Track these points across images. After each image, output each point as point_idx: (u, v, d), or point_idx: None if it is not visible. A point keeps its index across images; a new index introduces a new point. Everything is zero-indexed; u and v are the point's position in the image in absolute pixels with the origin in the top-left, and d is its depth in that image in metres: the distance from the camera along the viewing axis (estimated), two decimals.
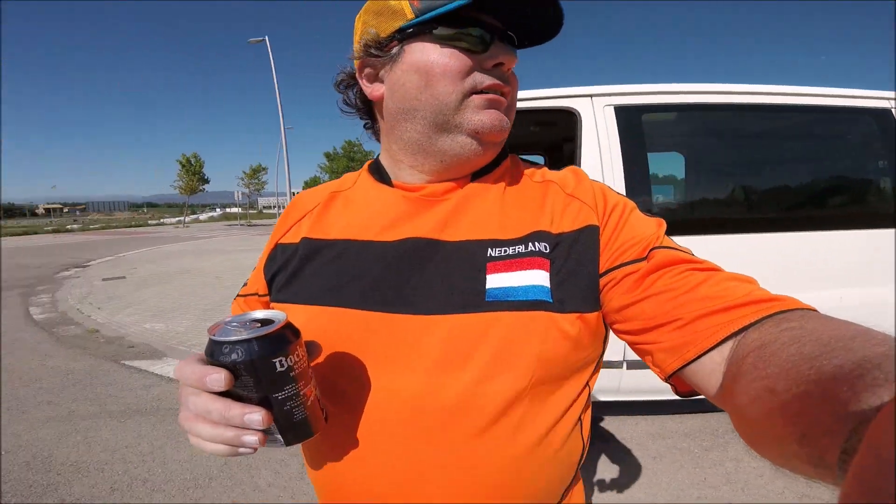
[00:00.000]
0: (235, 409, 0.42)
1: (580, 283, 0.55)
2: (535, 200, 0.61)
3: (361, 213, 0.64)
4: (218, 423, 0.42)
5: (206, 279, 8.98)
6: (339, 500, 0.58)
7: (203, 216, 51.84)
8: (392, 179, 0.65)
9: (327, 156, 40.50)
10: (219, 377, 0.41)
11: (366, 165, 0.72)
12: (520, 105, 2.55)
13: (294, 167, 25.22)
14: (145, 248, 15.98)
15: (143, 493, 2.35)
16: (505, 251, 0.56)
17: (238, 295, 0.75)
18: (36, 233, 28.24)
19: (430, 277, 0.56)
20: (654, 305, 0.49)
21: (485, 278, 0.55)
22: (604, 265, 0.55)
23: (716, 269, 0.50)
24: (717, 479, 2.43)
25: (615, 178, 2.33)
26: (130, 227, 34.36)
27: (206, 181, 36.22)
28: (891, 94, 2.50)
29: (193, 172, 34.76)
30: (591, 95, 2.40)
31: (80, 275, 9.92)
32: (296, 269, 0.63)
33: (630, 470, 2.54)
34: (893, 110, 2.47)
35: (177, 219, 42.21)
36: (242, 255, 12.98)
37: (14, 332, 5.41)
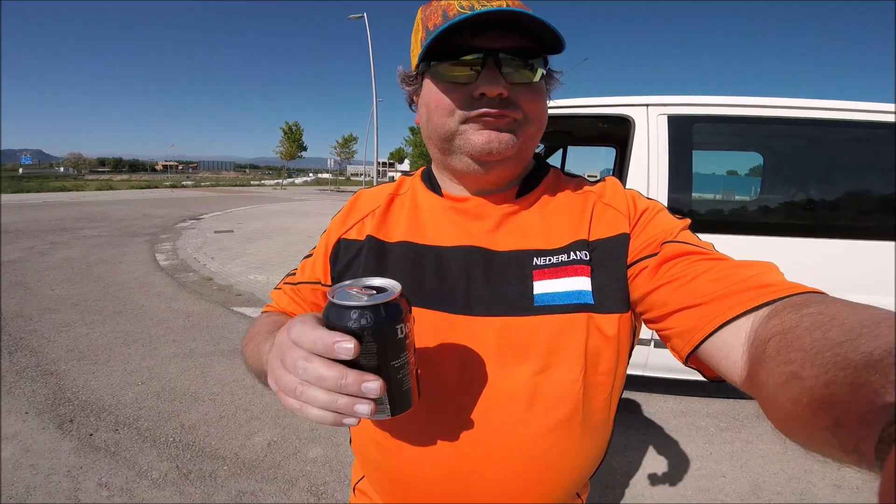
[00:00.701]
0: (352, 377, 0.40)
1: (617, 285, 0.60)
2: (575, 211, 0.65)
3: (418, 218, 0.69)
4: (332, 390, 0.40)
5: (301, 237, 9.71)
6: (410, 481, 0.64)
7: (298, 180, 54.98)
8: (441, 189, 0.70)
9: (412, 130, 41.30)
10: (349, 346, 0.39)
11: (418, 172, 0.77)
12: (589, 110, 2.74)
13: (381, 138, 26.46)
14: (249, 206, 17.44)
15: (244, 420, 2.80)
16: (549, 260, 0.61)
17: (285, 283, 0.78)
18: (157, 187, 31.59)
19: (483, 283, 0.62)
20: (665, 294, 0.53)
21: (532, 285, 0.60)
22: (629, 262, 0.60)
23: (723, 258, 0.53)
24: (721, 454, 2.59)
25: (660, 179, 2.48)
26: (235, 185, 37.34)
27: (305, 148, 38.19)
28: None
29: (294, 140, 36.79)
30: (646, 105, 2.54)
31: (195, 226, 11.10)
32: (363, 266, 0.67)
33: (642, 438, 2.74)
34: None
35: (275, 181, 45.05)
36: (329, 217, 13.77)
37: (145, 276, 6.26)
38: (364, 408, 0.41)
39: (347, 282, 0.46)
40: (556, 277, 0.60)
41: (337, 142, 44.68)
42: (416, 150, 40.39)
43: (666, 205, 2.35)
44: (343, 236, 0.72)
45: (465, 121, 0.60)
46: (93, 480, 2.19)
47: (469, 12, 0.54)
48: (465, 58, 0.58)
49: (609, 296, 0.59)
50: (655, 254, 0.57)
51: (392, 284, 0.45)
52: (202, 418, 2.80)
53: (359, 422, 0.42)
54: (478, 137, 0.59)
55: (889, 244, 2.39)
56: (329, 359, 0.40)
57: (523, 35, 0.58)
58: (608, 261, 0.60)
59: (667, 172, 2.47)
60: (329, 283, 0.71)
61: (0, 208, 13.52)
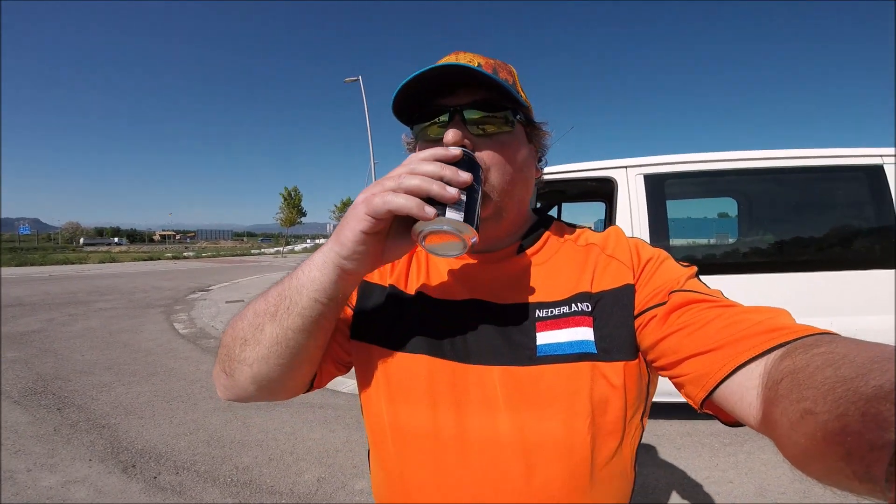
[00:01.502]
0: (450, 168, 0.52)
1: (622, 334, 0.60)
2: (578, 264, 0.66)
3: (430, 274, 0.71)
4: (432, 175, 0.51)
5: None
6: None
7: (298, 247, 55.51)
8: None
9: None
10: (455, 151, 0.54)
11: None
12: (579, 174, 3.36)
13: None
14: (254, 275, 17.72)
15: (291, 462, 3.03)
16: (551, 312, 0.62)
17: None
18: (159, 258, 31.94)
19: (488, 334, 0.63)
20: (676, 341, 0.54)
21: (535, 336, 0.61)
22: (636, 311, 0.61)
23: (733, 305, 0.54)
24: (727, 465, 2.90)
25: (641, 225, 2.97)
26: (236, 255, 37.74)
27: (304, 214, 38.88)
28: (881, 150, 2.89)
29: (293, 205, 37.50)
30: (625, 167, 3.07)
31: (205, 297, 11.33)
32: (381, 313, 0.69)
33: (653, 455, 3.04)
34: (885, 166, 2.86)
35: (275, 249, 45.44)
36: None
37: (168, 343, 6.49)
38: (452, 189, 0.50)
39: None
40: (558, 328, 0.61)
41: (336, 206, 45.29)
42: None
43: None
44: (366, 278, 0.72)
45: None
46: None
47: (431, 66, 0.59)
48: (437, 118, 0.62)
49: (614, 345, 0.60)
50: (664, 303, 0.58)
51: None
52: (253, 461, 3.02)
53: (435, 215, 0.49)
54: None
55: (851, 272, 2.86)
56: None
57: (486, 90, 0.61)
58: (612, 311, 0.61)
59: (647, 222, 2.95)
60: (349, 317, 0.71)
61: (0, 280, 13.78)
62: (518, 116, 0.64)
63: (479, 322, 0.64)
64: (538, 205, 4.96)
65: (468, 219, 0.51)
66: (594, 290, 0.63)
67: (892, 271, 2.81)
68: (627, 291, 0.62)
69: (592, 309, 0.61)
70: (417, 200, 0.49)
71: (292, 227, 39.67)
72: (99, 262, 26.47)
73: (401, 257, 0.61)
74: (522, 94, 0.66)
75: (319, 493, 2.63)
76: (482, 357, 0.62)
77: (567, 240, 0.71)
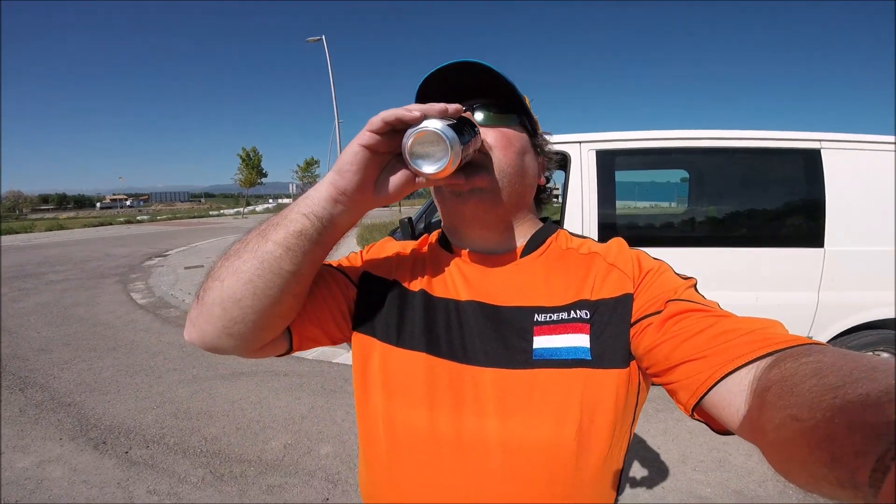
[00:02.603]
0: (453, 105, 0.57)
1: (618, 343, 0.61)
2: (580, 271, 0.67)
3: (434, 273, 0.72)
4: (440, 113, 0.55)
5: None
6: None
7: (259, 207, 53.90)
8: (453, 247, 0.74)
9: None
10: (458, 105, 0.57)
11: (435, 234, 0.80)
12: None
13: None
14: (214, 238, 17.37)
15: (258, 430, 3.18)
16: (550, 317, 0.63)
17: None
18: (111, 223, 30.62)
19: (486, 335, 0.64)
20: (669, 348, 0.54)
21: (532, 340, 0.62)
22: (632, 319, 0.61)
23: (727, 315, 0.54)
24: (656, 430, 3.19)
25: (591, 196, 3.17)
26: (193, 217, 36.51)
27: (265, 175, 37.66)
28: (821, 135, 3.07)
29: (252, 166, 36.25)
30: (579, 142, 3.24)
31: (163, 264, 11.10)
32: (384, 307, 0.70)
33: None
34: (822, 150, 3.04)
35: (235, 210, 44.10)
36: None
37: (127, 315, 6.43)
38: (439, 105, 0.55)
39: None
40: (555, 333, 0.62)
41: (299, 166, 44.08)
42: None
43: (596, 215, 3.11)
44: (370, 270, 0.75)
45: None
46: (142, 489, 2.53)
47: (449, 62, 0.63)
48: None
49: (609, 353, 0.60)
50: (660, 311, 0.58)
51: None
52: (221, 431, 3.16)
53: (420, 117, 0.54)
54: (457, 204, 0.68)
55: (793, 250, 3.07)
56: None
57: (499, 97, 0.68)
58: (611, 320, 0.62)
59: (596, 192, 3.17)
60: (354, 286, 0.73)
61: None
62: (525, 123, 0.70)
63: (478, 323, 0.65)
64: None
65: (453, 136, 0.53)
66: (594, 298, 0.64)
67: (820, 250, 3.02)
68: (626, 301, 0.63)
69: (591, 316, 0.62)
70: (407, 109, 0.54)
71: (253, 188, 38.45)
72: (46, 230, 25.25)
73: (392, 200, 0.63)
74: (528, 106, 0.71)
75: (286, 459, 2.80)
76: (478, 358, 0.63)
77: (570, 248, 0.72)
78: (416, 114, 0.54)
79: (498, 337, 0.63)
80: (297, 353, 3.79)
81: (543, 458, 0.59)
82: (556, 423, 0.59)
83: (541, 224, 0.75)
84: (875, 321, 3.03)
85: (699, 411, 0.53)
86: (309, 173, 44.73)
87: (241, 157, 36.34)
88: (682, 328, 0.54)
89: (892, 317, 2.99)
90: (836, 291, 2.99)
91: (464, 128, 0.58)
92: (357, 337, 0.71)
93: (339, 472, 2.67)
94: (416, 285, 0.71)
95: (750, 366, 0.46)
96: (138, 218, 35.92)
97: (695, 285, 0.63)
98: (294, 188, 40.48)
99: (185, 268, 10.31)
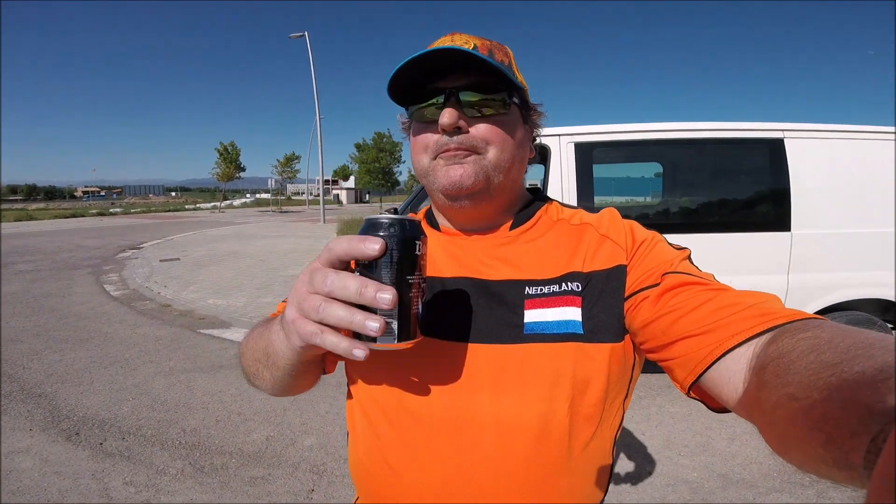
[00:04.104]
0: (372, 285, 0.43)
1: (610, 316, 0.60)
2: (571, 243, 0.65)
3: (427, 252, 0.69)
4: (352, 301, 0.44)
5: (253, 261, 9.78)
6: (394, 493, 0.63)
7: (237, 202, 52.87)
8: (440, 225, 0.73)
9: (358, 146, 40.39)
10: (375, 246, 0.44)
11: (423, 212, 0.79)
12: None
13: (325, 156, 25.68)
14: (189, 231, 17.03)
15: (239, 422, 3.11)
16: (541, 290, 0.61)
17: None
18: (83, 215, 29.71)
19: (480, 311, 0.63)
20: (666, 323, 0.53)
21: (523, 313, 0.61)
22: (627, 293, 0.60)
23: (726, 288, 0.53)
24: (640, 416, 3.23)
25: (570, 187, 3.23)
26: (168, 211, 35.71)
27: (243, 169, 37.13)
28: (784, 125, 3.25)
29: (231, 160, 35.66)
30: (558, 135, 3.31)
31: (137, 256, 10.82)
32: None
33: None
34: (785, 139, 3.22)
35: (212, 204, 43.27)
36: (280, 240, 13.82)
37: (100, 307, 6.25)
38: (374, 324, 0.43)
39: (375, 216, 0.49)
40: (546, 307, 0.60)
41: (279, 160, 43.64)
42: (363, 168, 39.49)
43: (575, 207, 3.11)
44: None
45: (434, 157, 0.63)
46: (118, 480, 2.45)
47: (424, 50, 0.59)
48: (430, 100, 0.62)
49: (601, 326, 0.59)
50: (656, 284, 0.57)
51: (407, 215, 0.50)
52: (200, 423, 3.07)
53: (367, 354, 0.45)
54: (443, 174, 0.62)
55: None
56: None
57: (482, 73, 0.61)
58: (603, 292, 0.60)
59: (575, 183, 3.22)
60: None
61: None
62: (514, 98, 0.64)
63: (469, 299, 0.64)
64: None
65: (402, 335, 0.47)
66: (585, 270, 0.62)
67: (787, 234, 3.15)
68: (619, 272, 0.61)
69: (582, 289, 0.61)
70: (346, 343, 0.45)
71: (230, 182, 37.78)
72: (15, 221, 24.39)
73: None
74: (518, 76, 0.66)
75: (269, 451, 2.74)
76: (471, 335, 0.62)
77: (561, 219, 0.70)
78: (359, 356, 0.45)
79: (489, 312, 0.62)
80: None
81: (536, 434, 0.58)
82: (548, 397, 0.58)
83: (529, 196, 0.74)
84: (843, 302, 3.19)
85: (696, 389, 0.51)
86: (289, 168, 44.20)
87: (219, 151, 35.75)
88: (679, 302, 0.53)
89: (860, 298, 3.18)
90: (804, 274, 3.14)
91: (397, 291, 0.45)
92: None
93: (324, 464, 2.63)
94: None
95: (749, 342, 0.45)
96: (111, 210, 34.95)
97: (689, 256, 0.62)
98: (273, 183, 39.74)
99: (161, 260, 10.07)
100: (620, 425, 0.65)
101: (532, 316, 0.60)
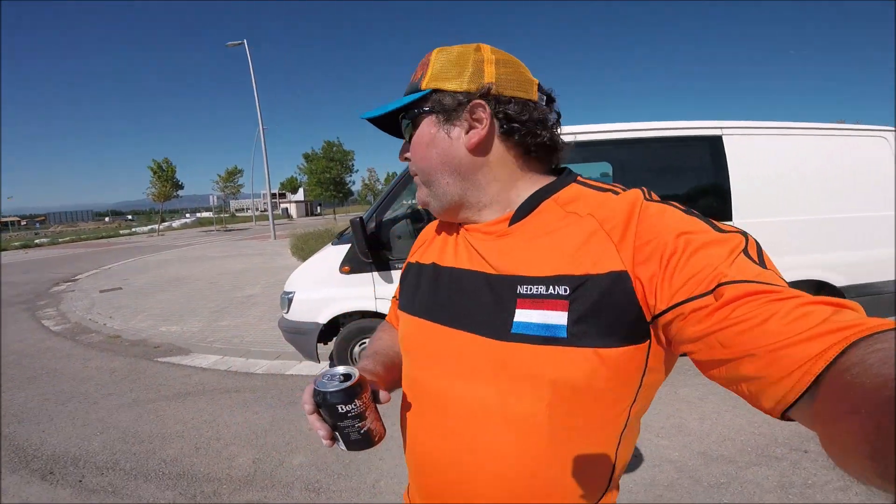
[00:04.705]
0: (316, 425, 0.64)
1: (602, 322, 0.57)
2: (567, 241, 0.62)
3: (444, 243, 0.79)
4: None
5: (202, 285, 9.42)
6: (408, 456, 0.77)
7: (176, 223, 50.16)
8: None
9: (306, 157, 39.31)
10: (307, 409, 0.64)
11: None
12: None
13: (270, 168, 24.38)
14: (128, 259, 16.08)
15: (220, 447, 3.04)
16: (531, 290, 0.61)
17: (393, 296, 0.95)
18: (4, 249, 27.43)
19: (478, 302, 0.66)
20: (730, 336, 0.46)
21: (514, 311, 0.62)
22: (662, 302, 0.53)
23: (795, 296, 0.46)
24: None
25: None
26: (101, 238, 33.52)
27: (181, 187, 35.41)
28: (722, 123, 3.56)
29: (166, 179, 33.95)
30: None
31: (73, 288, 10.17)
32: (408, 284, 0.83)
33: None
34: (724, 136, 3.54)
35: (149, 227, 40.93)
36: (229, 260, 13.35)
37: (41, 343, 5.88)
38: (325, 441, 0.65)
39: (328, 370, 0.67)
40: (532, 308, 0.61)
41: (220, 175, 41.84)
42: (313, 179, 38.26)
43: None
44: (410, 260, 0.86)
45: None
46: None
47: (371, 112, 0.75)
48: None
49: (589, 331, 0.57)
50: (708, 292, 0.50)
51: (353, 373, 0.64)
52: (179, 452, 2.98)
53: (329, 446, 0.66)
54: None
55: None
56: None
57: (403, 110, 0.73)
58: (601, 299, 0.57)
59: None
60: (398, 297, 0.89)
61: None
62: (423, 107, 0.70)
63: (471, 290, 0.68)
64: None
65: (349, 447, 0.67)
66: (578, 272, 0.59)
67: (729, 223, 3.44)
68: (621, 280, 0.56)
69: (571, 292, 0.59)
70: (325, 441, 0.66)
71: (168, 202, 35.91)
72: None
73: None
74: (427, 82, 0.69)
75: (259, 474, 2.70)
76: (466, 324, 0.66)
77: (571, 212, 0.65)
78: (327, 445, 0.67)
79: (486, 305, 0.65)
80: (243, 369, 3.92)
81: (514, 429, 0.62)
82: (525, 398, 0.61)
83: (546, 181, 0.71)
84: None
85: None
86: (232, 183, 42.41)
87: (152, 169, 33.95)
88: (741, 315, 0.46)
89: (797, 280, 3.52)
90: None
91: (330, 429, 0.66)
92: (399, 313, 0.83)
93: (318, 481, 2.61)
94: (429, 258, 0.80)
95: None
96: (36, 242, 32.38)
97: (744, 247, 0.53)
98: (215, 200, 37.91)
99: (101, 291, 9.51)
100: (625, 429, 0.64)
101: (520, 316, 0.61)
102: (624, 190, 0.65)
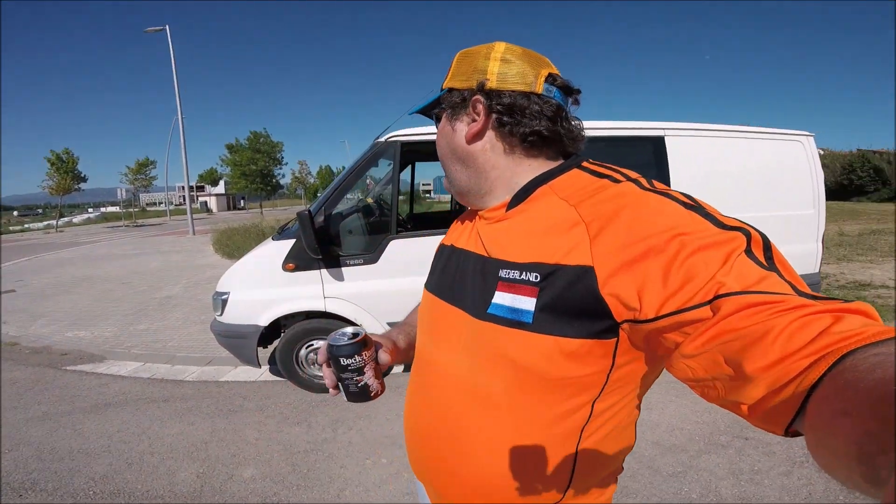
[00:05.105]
0: (326, 373, 0.78)
1: (565, 312, 0.58)
2: (548, 230, 0.64)
3: (463, 225, 0.85)
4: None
5: (114, 285, 8.67)
6: (404, 424, 0.87)
7: (77, 218, 45.47)
8: None
9: (229, 147, 37.00)
10: (321, 359, 0.78)
11: None
12: (422, 137, 3.54)
13: (188, 159, 22.07)
14: (21, 258, 14.41)
15: (157, 462, 2.77)
16: (509, 274, 0.65)
17: None
18: None
19: (471, 282, 0.73)
20: (730, 356, 0.45)
21: (493, 294, 0.67)
22: (650, 308, 0.51)
23: (794, 308, 0.43)
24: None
25: None
26: None
27: (83, 179, 32.29)
28: (664, 124, 3.74)
29: (66, 171, 30.82)
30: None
31: None
32: (433, 263, 0.90)
33: None
34: (666, 137, 3.72)
35: (45, 223, 36.87)
36: (143, 258, 12.37)
37: None
38: (331, 389, 0.80)
39: (347, 328, 0.80)
40: (507, 291, 0.65)
41: (129, 167, 38.25)
42: (237, 171, 36.11)
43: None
44: (443, 242, 0.92)
45: None
46: None
47: (414, 108, 0.86)
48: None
49: (553, 319, 0.59)
50: (704, 303, 0.47)
51: (359, 332, 0.77)
52: (109, 469, 2.69)
53: (333, 394, 0.80)
54: None
55: None
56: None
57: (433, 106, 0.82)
58: (563, 289, 0.58)
59: None
60: None
61: None
62: (441, 106, 0.80)
63: (468, 271, 0.74)
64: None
65: (349, 398, 0.78)
66: (551, 261, 0.60)
67: None
68: (585, 275, 0.57)
69: (542, 279, 0.60)
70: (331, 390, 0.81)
71: (68, 196, 32.58)
72: None
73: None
74: (449, 81, 0.78)
75: (206, 489, 2.49)
76: (460, 301, 0.74)
77: (562, 199, 0.66)
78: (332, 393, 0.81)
79: (477, 285, 0.71)
80: (171, 376, 3.67)
81: (478, 405, 0.69)
82: (488, 373, 0.67)
83: (547, 168, 0.73)
84: None
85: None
86: (143, 175, 39.01)
87: (50, 160, 30.70)
88: (736, 334, 0.44)
89: None
90: None
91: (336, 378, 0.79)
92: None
93: (276, 493, 2.44)
94: (449, 240, 0.87)
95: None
96: None
97: (746, 247, 0.50)
98: (123, 193, 33.99)
99: None
100: (588, 423, 0.65)
101: (498, 298, 0.65)
102: (625, 179, 0.65)
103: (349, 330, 0.78)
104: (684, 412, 3.15)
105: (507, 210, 0.73)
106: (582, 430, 0.65)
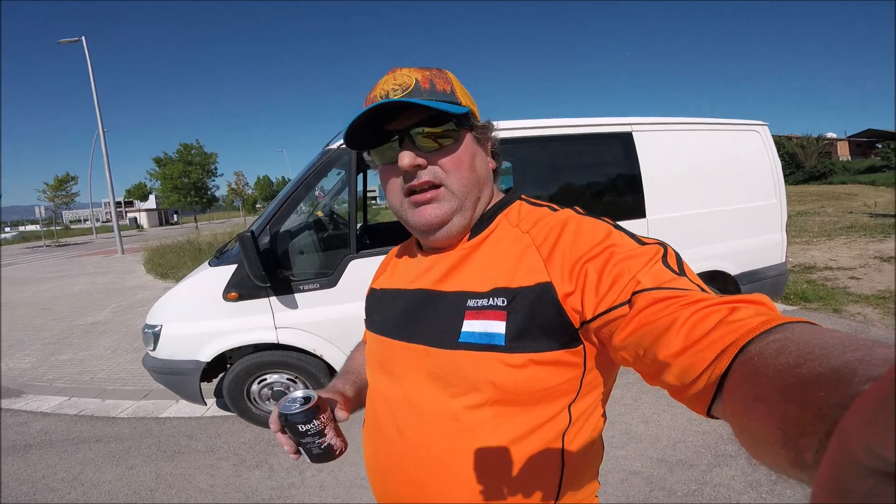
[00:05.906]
0: (283, 441, 0.75)
1: (535, 329, 0.62)
2: (507, 257, 0.69)
3: (399, 265, 0.87)
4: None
5: (32, 311, 8.01)
6: (370, 467, 0.82)
7: None
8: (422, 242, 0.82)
9: (157, 161, 35.08)
10: (274, 428, 0.75)
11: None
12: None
13: (113, 174, 20.64)
14: None
15: None
16: (478, 302, 0.67)
17: None
18: None
19: (429, 318, 0.72)
20: (646, 344, 0.50)
21: (462, 323, 0.67)
22: (589, 311, 0.59)
23: (698, 300, 0.49)
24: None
25: None
26: None
27: None
28: (632, 119, 3.63)
29: None
30: None
31: None
32: (371, 306, 0.90)
33: None
34: (633, 133, 3.59)
35: None
36: (66, 281, 11.50)
37: None
38: (292, 455, 0.76)
39: (291, 394, 0.76)
40: (477, 319, 0.66)
41: (47, 184, 35.59)
42: (167, 184, 34.13)
43: None
44: (373, 286, 0.92)
45: (406, 195, 0.71)
46: None
47: (371, 104, 0.66)
48: (388, 141, 0.70)
49: (525, 338, 0.63)
50: (627, 302, 0.55)
51: (311, 397, 0.74)
52: None
53: (294, 459, 0.77)
54: (415, 216, 0.72)
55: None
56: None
57: (429, 109, 0.66)
58: (532, 309, 0.63)
59: None
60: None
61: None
62: (462, 123, 0.70)
63: (422, 308, 0.74)
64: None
65: (313, 459, 0.76)
66: (513, 285, 0.65)
67: (643, 220, 3.46)
68: (545, 290, 0.62)
69: (508, 303, 0.64)
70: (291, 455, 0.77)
71: None
72: None
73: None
74: (462, 99, 0.71)
75: None
76: (419, 338, 0.72)
77: (515, 227, 0.72)
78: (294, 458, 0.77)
79: (436, 320, 0.71)
80: (102, 412, 3.28)
81: (462, 429, 0.67)
82: (466, 397, 0.66)
83: (499, 198, 0.79)
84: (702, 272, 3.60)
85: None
86: (63, 192, 36.44)
87: None
88: (649, 323, 0.50)
89: (701, 271, 3.64)
90: None
91: (295, 445, 0.76)
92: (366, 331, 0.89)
93: None
94: (382, 284, 0.88)
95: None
96: None
97: (662, 256, 0.59)
98: (42, 211, 31.81)
99: None
100: (569, 428, 0.67)
101: (467, 326, 0.67)
102: (560, 208, 0.74)
103: (299, 394, 0.75)
104: (681, 422, 2.99)
105: (469, 239, 0.75)
106: (563, 436, 0.67)
